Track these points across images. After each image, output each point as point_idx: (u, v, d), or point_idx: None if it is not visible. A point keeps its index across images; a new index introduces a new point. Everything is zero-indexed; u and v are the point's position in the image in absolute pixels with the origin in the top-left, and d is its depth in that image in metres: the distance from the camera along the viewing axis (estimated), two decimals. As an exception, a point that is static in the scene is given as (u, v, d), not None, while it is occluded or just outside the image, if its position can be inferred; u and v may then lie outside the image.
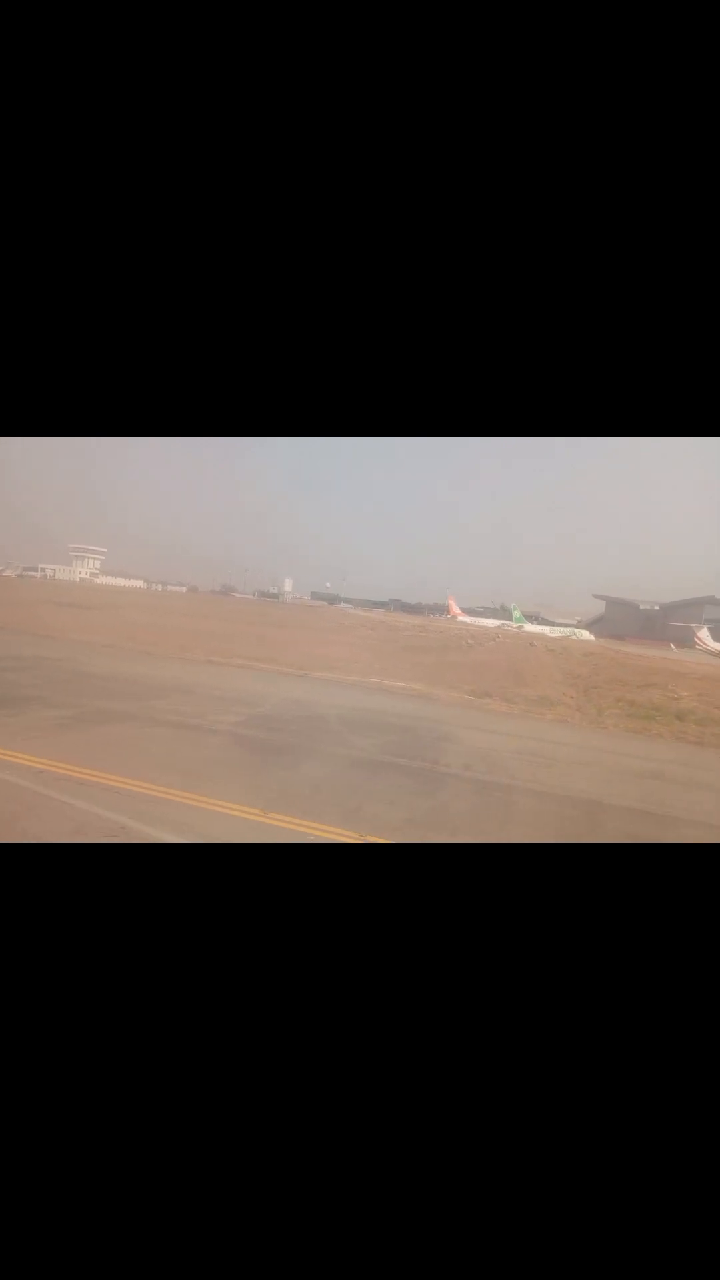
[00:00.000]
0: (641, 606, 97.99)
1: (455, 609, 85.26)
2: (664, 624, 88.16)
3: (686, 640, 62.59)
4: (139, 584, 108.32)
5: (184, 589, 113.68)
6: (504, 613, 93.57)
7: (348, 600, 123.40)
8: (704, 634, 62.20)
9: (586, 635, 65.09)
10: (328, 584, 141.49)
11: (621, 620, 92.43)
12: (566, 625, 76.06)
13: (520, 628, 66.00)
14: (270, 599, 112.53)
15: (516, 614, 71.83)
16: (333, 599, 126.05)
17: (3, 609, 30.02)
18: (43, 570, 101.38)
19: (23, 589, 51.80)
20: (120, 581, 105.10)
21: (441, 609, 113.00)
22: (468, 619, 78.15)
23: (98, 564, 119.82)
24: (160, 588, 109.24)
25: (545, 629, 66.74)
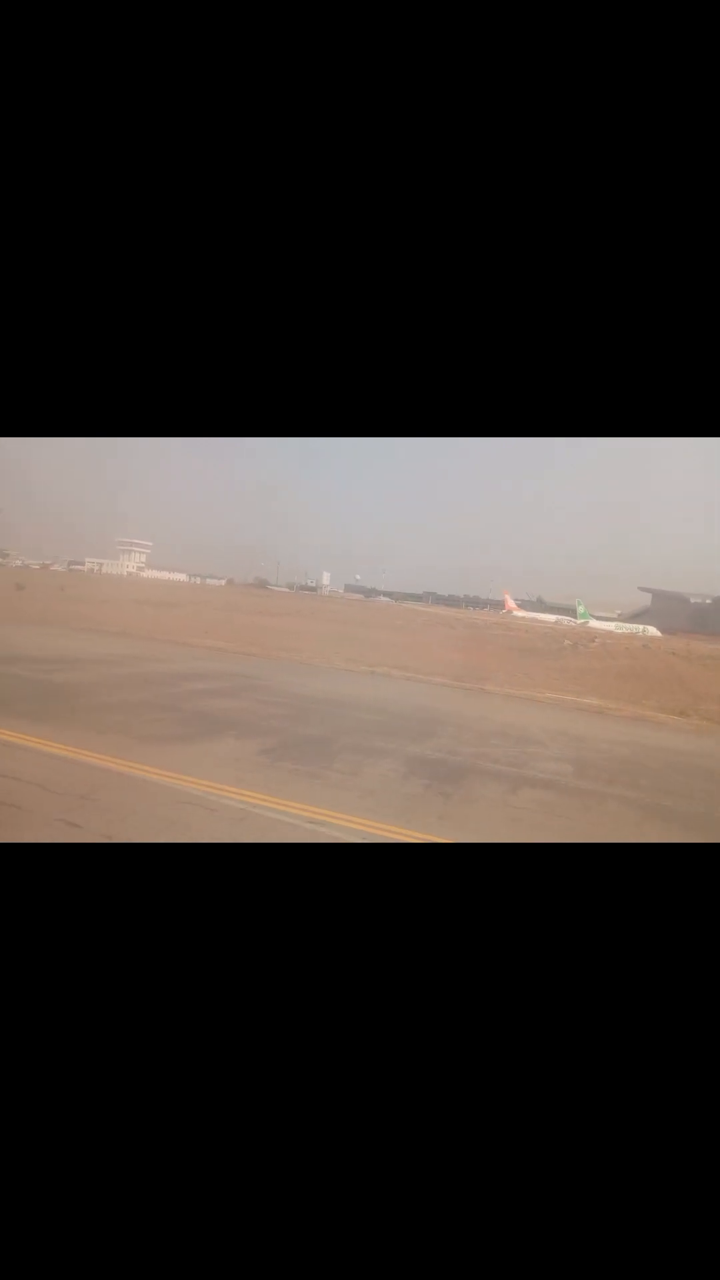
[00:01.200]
0: (692, 600, 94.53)
1: (511, 604, 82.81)
2: (718, 617, 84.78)
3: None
4: (181, 577, 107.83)
5: (222, 582, 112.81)
6: (541, 604, 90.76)
7: (385, 593, 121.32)
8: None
9: (654, 631, 62.45)
10: (357, 576, 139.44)
11: (669, 614, 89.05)
12: (610, 619, 73.11)
13: (585, 624, 63.61)
14: (309, 592, 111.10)
15: (582, 610, 69.19)
16: (369, 592, 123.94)
17: (95, 608, 28.99)
18: (89, 564, 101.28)
19: (92, 585, 50.86)
20: (164, 575, 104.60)
21: (480, 602, 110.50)
22: (523, 614, 75.77)
23: (143, 558, 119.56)
24: (199, 581, 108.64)
25: (610, 625, 64.22)
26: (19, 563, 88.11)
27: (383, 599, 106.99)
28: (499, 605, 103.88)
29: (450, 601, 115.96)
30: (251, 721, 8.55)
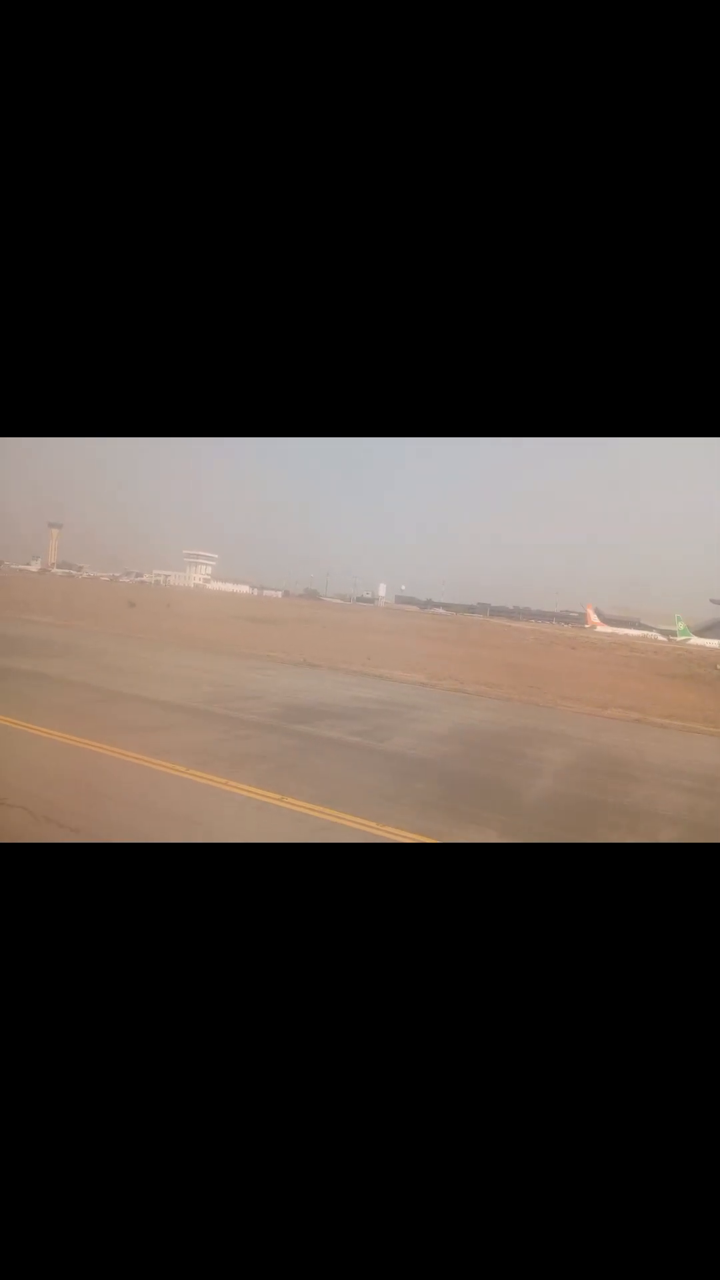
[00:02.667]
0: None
1: (594, 618, 78.83)
2: None
3: None
4: (245, 589, 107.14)
5: (279, 594, 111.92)
6: (600, 617, 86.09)
7: (441, 605, 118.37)
8: None
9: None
10: (403, 586, 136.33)
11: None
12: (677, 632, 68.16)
13: (685, 641, 59.56)
14: (365, 603, 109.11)
15: (681, 626, 64.90)
16: (424, 604, 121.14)
17: (214, 627, 27.26)
18: (151, 575, 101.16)
19: (183, 600, 49.58)
20: (229, 587, 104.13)
21: (532, 614, 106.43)
22: (606, 629, 71.91)
23: (209, 570, 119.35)
24: (258, 592, 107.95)
25: (715, 643, 60.02)
26: (85, 574, 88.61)
27: (439, 610, 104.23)
28: (561, 617, 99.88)
29: (498, 612, 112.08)
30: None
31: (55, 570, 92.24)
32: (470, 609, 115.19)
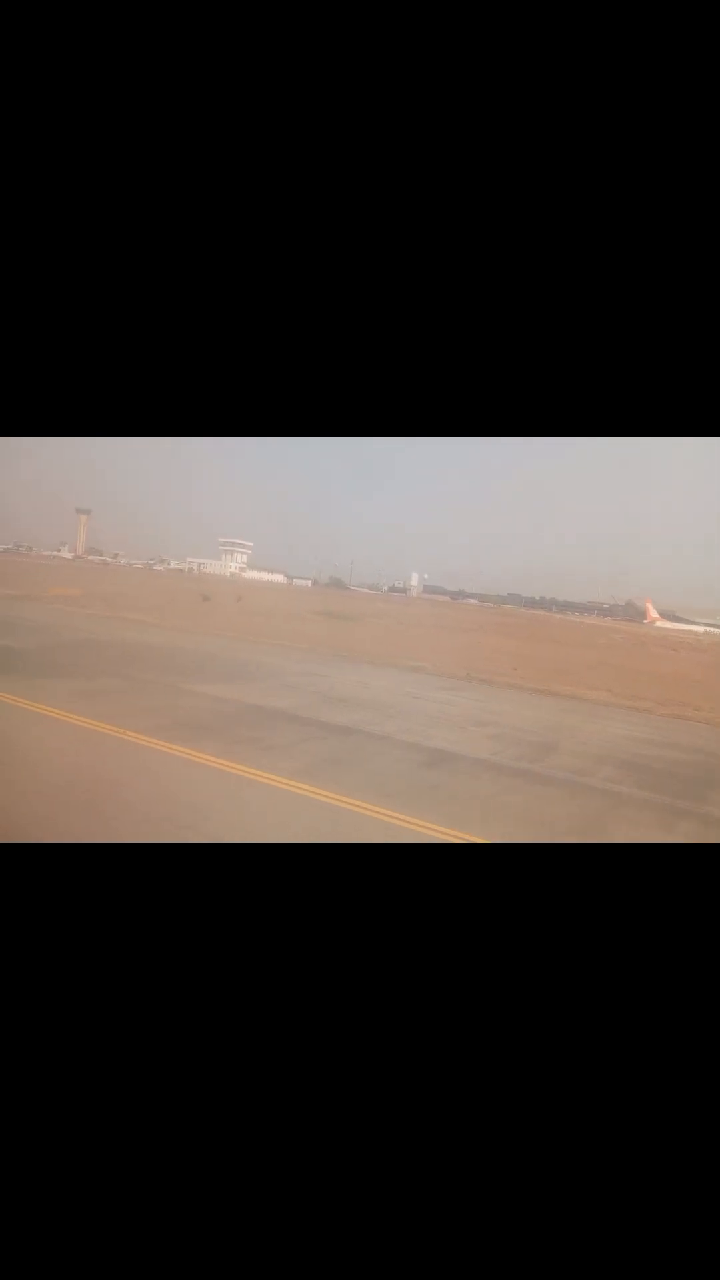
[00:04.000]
0: None
1: (653, 613, 75.58)
2: None
3: None
4: (280, 578, 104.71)
5: (309, 583, 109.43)
6: (633, 610, 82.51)
7: (474, 595, 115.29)
8: None
9: None
10: (425, 575, 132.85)
11: None
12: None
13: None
14: (399, 594, 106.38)
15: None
16: (456, 594, 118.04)
17: (298, 624, 24.84)
18: (187, 563, 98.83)
19: (248, 593, 47.15)
20: (264, 576, 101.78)
21: (559, 604, 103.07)
22: (667, 624, 68.83)
23: (244, 558, 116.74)
24: (289, 581, 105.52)
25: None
26: (124, 561, 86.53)
27: (472, 601, 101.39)
28: (593, 608, 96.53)
29: (530, 603, 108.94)
30: None
31: (90, 558, 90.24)
32: (502, 599, 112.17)
